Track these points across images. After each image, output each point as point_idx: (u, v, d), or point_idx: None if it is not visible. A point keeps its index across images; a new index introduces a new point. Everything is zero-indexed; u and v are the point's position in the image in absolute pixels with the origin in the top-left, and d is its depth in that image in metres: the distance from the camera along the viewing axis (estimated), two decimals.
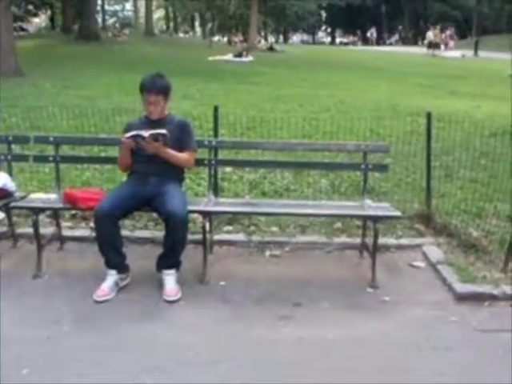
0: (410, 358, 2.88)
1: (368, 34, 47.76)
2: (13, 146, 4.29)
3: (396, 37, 53.82)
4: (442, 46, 30.61)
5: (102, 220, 3.40)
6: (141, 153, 3.57)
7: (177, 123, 3.73)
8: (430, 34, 31.09)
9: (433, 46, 29.67)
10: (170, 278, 3.52)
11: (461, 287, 3.55)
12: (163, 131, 3.47)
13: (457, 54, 28.54)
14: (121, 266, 3.55)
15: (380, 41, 50.00)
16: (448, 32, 33.00)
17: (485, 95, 11.48)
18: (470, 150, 5.61)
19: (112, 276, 3.50)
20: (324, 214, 4.16)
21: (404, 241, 4.36)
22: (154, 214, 4.03)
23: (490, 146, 5.42)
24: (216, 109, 4.50)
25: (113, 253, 3.51)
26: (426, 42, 31.10)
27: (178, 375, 2.68)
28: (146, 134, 3.45)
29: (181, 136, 3.68)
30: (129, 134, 3.52)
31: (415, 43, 49.41)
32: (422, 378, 2.71)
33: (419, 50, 31.92)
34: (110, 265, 3.52)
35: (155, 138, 3.47)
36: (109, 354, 2.84)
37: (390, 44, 48.26)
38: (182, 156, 3.68)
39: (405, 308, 3.39)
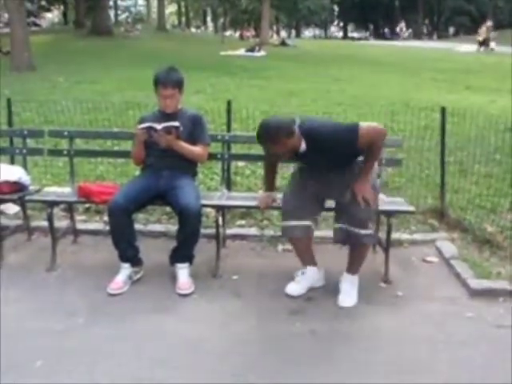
0: (423, 353, 2.87)
1: (397, 29, 47.12)
2: (27, 140, 4.34)
3: (409, 31, 53.38)
4: (491, 43, 26.94)
5: (116, 213, 3.42)
6: (154, 146, 3.58)
7: (190, 117, 3.73)
8: (484, 30, 26.99)
9: (485, 42, 26.59)
10: (183, 271, 3.53)
11: (475, 283, 3.52)
12: (176, 124, 3.48)
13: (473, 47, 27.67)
14: (134, 260, 3.57)
15: (394, 36, 49.53)
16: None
17: (500, 90, 11.34)
18: (484, 144, 5.55)
19: (125, 269, 3.52)
20: None
21: (418, 236, 4.34)
22: (168, 208, 4.05)
23: (505, 141, 5.36)
24: (229, 103, 4.50)
25: (126, 246, 3.52)
26: (479, 38, 28.05)
27: (190, 368, 2.69)
28: (158, 126, 3.46)
29: (194, 129, 3.68)
30: (142, 126, 3.54)
31: (429, 38, 49.00)
32: (436, 373, 2.70)
33: (437, 45, 31.39)
34: (123, 258, 3.54)
35: (168, 130, 3.48)
36: (122, 346, 2.86)
37: (404, 39, 47.85)
38: (195, 149, 3.68)
39: (418, 303, 3.37)
